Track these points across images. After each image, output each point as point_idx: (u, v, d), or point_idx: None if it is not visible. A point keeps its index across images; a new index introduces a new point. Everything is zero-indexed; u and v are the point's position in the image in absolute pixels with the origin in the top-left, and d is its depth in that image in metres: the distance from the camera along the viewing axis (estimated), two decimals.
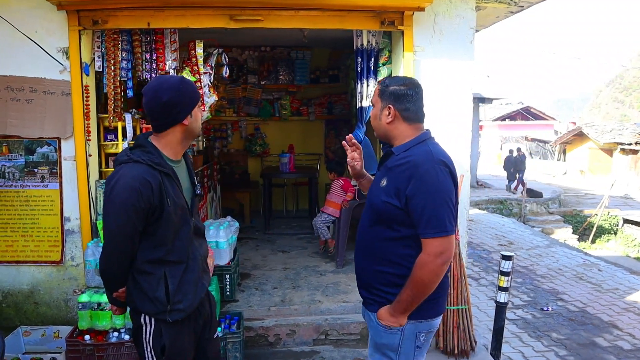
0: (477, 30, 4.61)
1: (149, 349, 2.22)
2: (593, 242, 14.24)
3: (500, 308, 3.97)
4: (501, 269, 3.86)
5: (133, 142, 4.08)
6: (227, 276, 4.36)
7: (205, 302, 2.43)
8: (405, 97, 2.15)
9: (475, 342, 4.05)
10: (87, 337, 3.63)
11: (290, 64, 8.47)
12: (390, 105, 2.16)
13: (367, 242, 2.24)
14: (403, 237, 2.10)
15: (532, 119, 35.00)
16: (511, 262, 3.86)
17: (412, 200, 2.01)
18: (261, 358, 4.01)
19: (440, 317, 2.25)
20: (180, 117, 2.16)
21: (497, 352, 4.02)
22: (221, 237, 4.37)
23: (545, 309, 5.70)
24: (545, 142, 31.24)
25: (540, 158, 30.40)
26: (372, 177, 2.46)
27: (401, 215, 2.07)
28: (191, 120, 2.20)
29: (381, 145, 5.53)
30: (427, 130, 2.22)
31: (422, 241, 2.03)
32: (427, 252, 2.01)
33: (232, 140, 8.84)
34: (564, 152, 28.29)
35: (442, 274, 2.03)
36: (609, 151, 23.69)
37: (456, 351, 3.90)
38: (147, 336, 2.21)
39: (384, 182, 2.14)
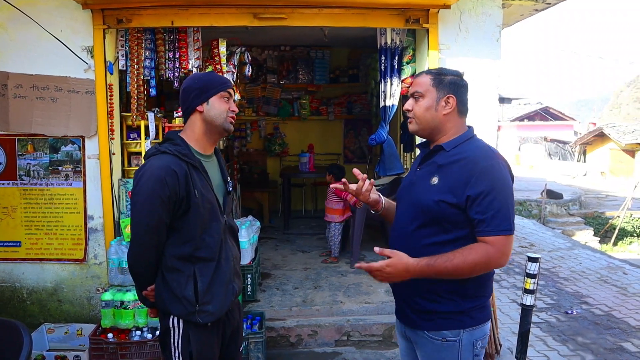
0: None
1: (177, 354, 2.14)
2: (615, 244, 13.98)
3: (526, 311, 3.88)
4: (527, 271, 3.77)
5: (156, 140, 4.10)
6: (249, 276, 4.36)
7: (236, 310, 2.36)
8: (464, 88, 2.06)
9: (500, 345, 3.99)
10: (110, 335, 3.64)
11: (309, 63, 8.44)
12: (452, 95, 2.03)
13: (412, 248, 1.96)
14: (457, 238, 1.94)
15: (551, 120, 34.50)
16: (538, 264, 3.76)
17: (477, 198, 1.87)
18: (283, 358, 3.98)
19: (489, 321, 2.10)
20: (195, 103, 2.15)
21: (523, 355, 3.93)
22: (243, 236, 4.35)
23: (569, 312, 5.58)
24: (564, 142, 30.81)
25: (559, 159, 29.99)
26: (391, 201, 2.31)
27: (456, 214, 1.92)
28: (207, 108, 2.15)
29: (402, 145, 5.48)
30: (471, 126, 2.11)
31: (485, 239, 1.88)
32: (497, 248, 1.87)
33: (251, 139, 8.82)
34: (584, 153, 27.87)
35: (485, 272, 1.94)
36: (631, 152, 23.24)
37: None
38: (175, 340, 2.14)
39: (435, 180, 1.97)
